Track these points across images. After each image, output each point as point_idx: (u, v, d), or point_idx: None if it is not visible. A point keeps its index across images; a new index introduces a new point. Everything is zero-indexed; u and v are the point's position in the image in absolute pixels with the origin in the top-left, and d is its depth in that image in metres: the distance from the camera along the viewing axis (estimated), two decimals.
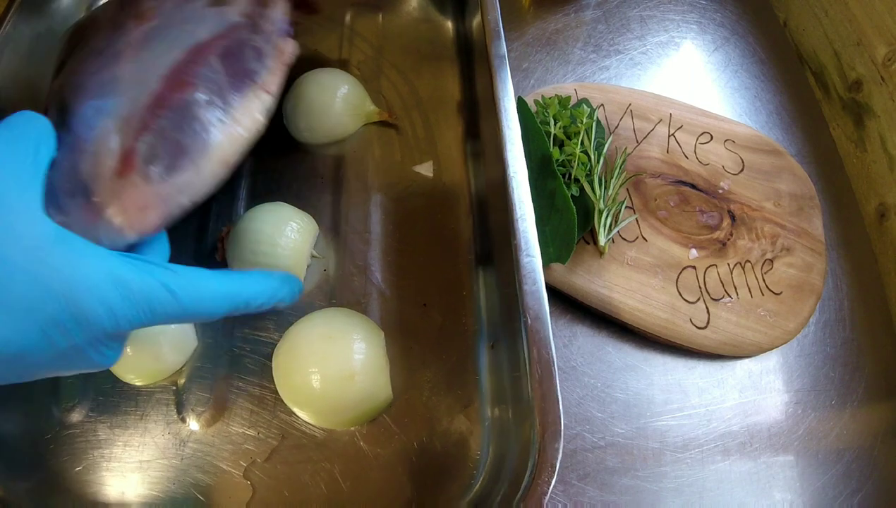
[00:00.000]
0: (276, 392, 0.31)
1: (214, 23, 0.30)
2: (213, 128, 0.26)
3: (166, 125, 0.26)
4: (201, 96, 0.27)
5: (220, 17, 0.31)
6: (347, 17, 0.46)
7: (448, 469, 0.31)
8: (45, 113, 0.28)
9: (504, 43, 0.35)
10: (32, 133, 0.24)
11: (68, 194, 0.24)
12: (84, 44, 0.32)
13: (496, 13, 0.37)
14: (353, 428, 0.31)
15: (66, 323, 0.20)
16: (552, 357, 0.26)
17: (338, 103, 0.39)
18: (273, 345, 0.33)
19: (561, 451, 0.25)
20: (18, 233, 0.20)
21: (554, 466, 0.24)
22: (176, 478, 0.30)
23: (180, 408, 0.32)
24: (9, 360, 0.20)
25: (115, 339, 0.23)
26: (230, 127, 0.27)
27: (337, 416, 0.30)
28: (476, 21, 0.40)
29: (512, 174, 0.31)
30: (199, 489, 0.30)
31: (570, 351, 0.37)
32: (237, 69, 0.29)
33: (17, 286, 0.20)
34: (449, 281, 0.36)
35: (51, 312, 0.20)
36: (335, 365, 0.29)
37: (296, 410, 0.31)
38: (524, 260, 0.29)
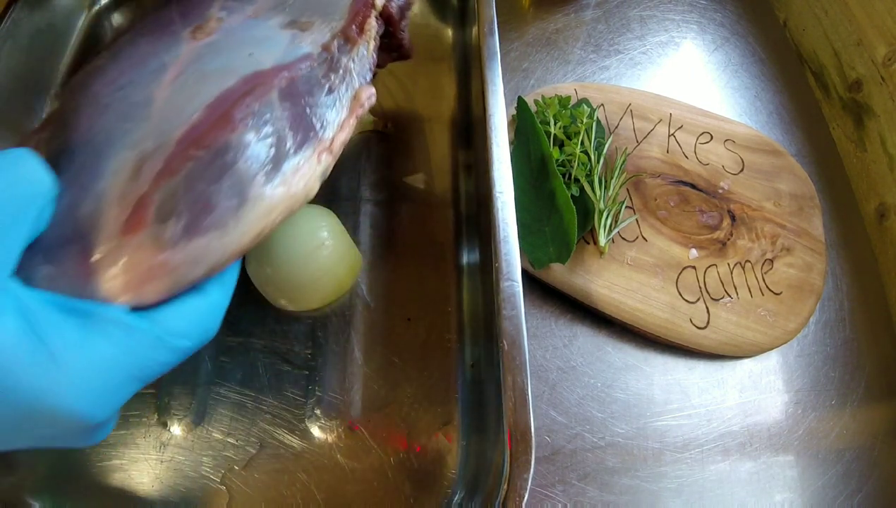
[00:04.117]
0: (256, 399, 0.32)
1: (284, 49, 0.24)
2: (254, 188, 0.21)
3: (196, 171, 0.20)
4: (248, 141, 0.21)
5: (293, 44, 0.25)
6: None
7: (423, 486, 0.30)
8: (43, 127, 0.23)
9: (497, 41, 0.35)
10: (19, 196, 0.18)
11: (61, 240, 0.19)
12: (120, 47, 0.25)
13: (492, 12, 0.36)
14: (330, 439, 0.31)
15: (40, 431, 0.18)
16: (527, 385, 0.26)
17: None
18: (256, 353, 0.33)
19: (530, 482, 0.24)
20: None
21: (522, 496, 0.24)
22: (155, 481, 0.30)
23: (162, 412, 0.32)
24: None
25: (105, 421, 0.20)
26: (276, 190, 0.21)
27: (318, 290, 0.32)
28: (475, 28, 0.39)
29: (498, 193, 0.30)
30: (178, 493, 0.30)
31: (570, 351, 0.37)
32: (301, 115, 0.23)
33: None
34: (434, 297, 0.35)
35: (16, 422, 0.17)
36: (305, 241, 0.31)
37: (278, 300, 0.32)
38: (505, 284, 0.28)
